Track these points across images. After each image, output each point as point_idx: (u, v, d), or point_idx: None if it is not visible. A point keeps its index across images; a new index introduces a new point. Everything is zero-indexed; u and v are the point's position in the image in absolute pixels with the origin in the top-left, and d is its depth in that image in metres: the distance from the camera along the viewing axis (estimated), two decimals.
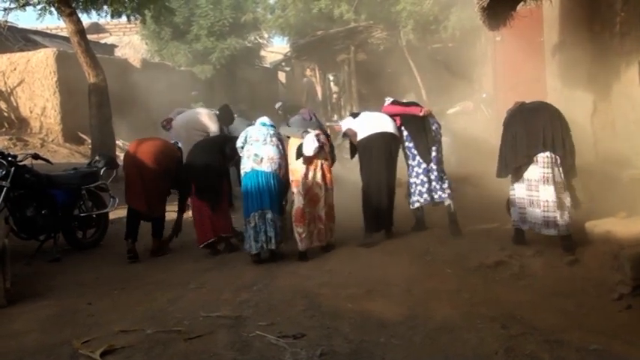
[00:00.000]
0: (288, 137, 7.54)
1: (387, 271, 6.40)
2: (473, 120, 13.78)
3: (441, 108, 13.43)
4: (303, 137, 7.20)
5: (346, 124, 8.19)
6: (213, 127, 10.51)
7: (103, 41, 24.87)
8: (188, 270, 7.00)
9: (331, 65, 22.78)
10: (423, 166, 7.87)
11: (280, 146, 7.44)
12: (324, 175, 7.33)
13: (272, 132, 7.52)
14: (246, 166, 7.33)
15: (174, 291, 6.10)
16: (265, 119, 7.82)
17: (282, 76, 31.05)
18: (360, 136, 7.86)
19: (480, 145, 10.64)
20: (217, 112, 11.04)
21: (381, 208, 7.78)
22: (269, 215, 7.17)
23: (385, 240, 7.80)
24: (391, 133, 7.84)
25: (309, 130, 7.30)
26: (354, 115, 8.33)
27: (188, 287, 6.24)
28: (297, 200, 7.20)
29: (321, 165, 7.32)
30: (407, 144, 7.98)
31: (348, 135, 8.06)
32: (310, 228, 7.25)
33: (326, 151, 7.41)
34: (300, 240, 7.17)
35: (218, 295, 5.87)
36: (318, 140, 7.18)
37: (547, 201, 6.48)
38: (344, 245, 7.61)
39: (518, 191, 6.77)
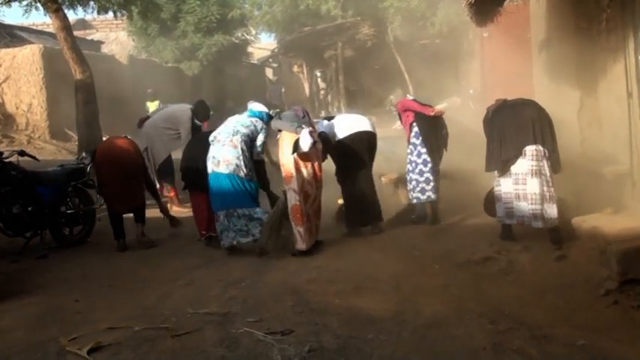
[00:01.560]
0: (279, 130, 7.47)
1: (375, 267, 6.40)
2: (460, 115, 13.80)
3: (428, 103, 13.44)
4: (297, 132, 7.13)
5: (322, 127, 8.11)
6: (184, 124, 10.19)
7: (89, 37, 24.79)
8: (176, 267, 6.97)
9: (319, 61, 22.81)
10: (430, 165, 8.05)
11: (241, 145, 7.32)
12: (315, 174, 7.30)
13: (238, 128, 7.44)
14: (209, 167, 7.38)
15: (162, 288, 6.06)
16: (254, 106, 7.79)
17: (269, 73, 31.03)
18: (340, 136, 7.92)
19: (467, 140, 10.65)
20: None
21: (367, 203, 7.86)
22: (240, 211, 7.22)
23: (373, 235, 7.84)
24: (370, 132, 8.01)
25: (303, 125, 7.23)
26: (329, 119, 8.37)
27: (176, 284, 6.20)
28: (293, 197, 7.12)
29: (313, 164, 7.27)
30: (414, 140, 8.14)
31: (322, 137, 7.84)
32: (308, 225, 7.20)
33: (318, 150, 7.38)
34: (301, 239, 7.10)
35: (206, 291, 5.85)
36: (312, 137, 7.16)
37: (534, 193, 6.53)
38: (332, 242, 7.59)
39: (505, 186, 6.80)
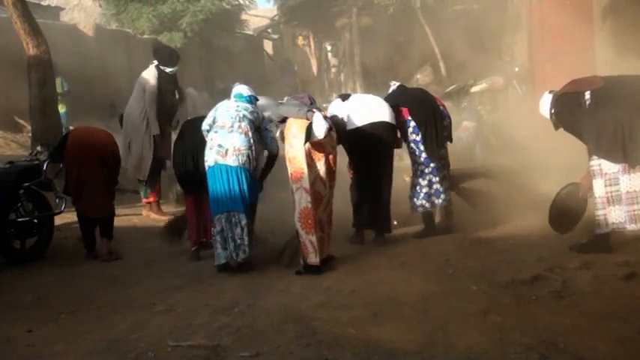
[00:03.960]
0: (281, 121, 7.47)
1: (397, 289, 6.38)
2: (503, 100, 13.78)
3: (463, 85, 13.43)
4: (309, 117, 7.11)
5: (333, 109, 8.17)
6: (147, 82, 10.50)
7: (45, 3, 24.80)
8: (153, 288, 6.98)
9: (329, 32, 22.82)
10: (432, 165, 8.17)
11: (250, 133, 7.39)
12: (329, 170, 7.30)
13: (244, 113, 7.49)
14: (209, 158, 7.37)
15: (136, 315, 6.06)
16: (242, 89, 7.83)
17: (268, 46, 31.02)
18: (350, 126, 7.97)
19: (512, 132, 10.63)
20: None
21: (373, 207, 8.08)
22: (241, 219, 7.26)
23: (379, 247, 7.96)
24: (387, 123, 8.04)
25: (313, 110, 7.24)
26: (344, 98, 8.36)
27: (153, 310, 6.21)
28: (303, 199, 7.13)
29: (327, 156, 7.27)
30: (414, 137, 8.22)
31: (333, 123, 7.93)
32: (321, 234, 7.23)
33: (333, 138, 7.37)
34: (313, 250, 7.11)
35: (191, 319, 5.85)
36: (327, 122, 7.17)
37: (636, 191, 6.66)
38: (344, 257, 7.59)
39: (598, 190, 6.88)
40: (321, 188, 7.23)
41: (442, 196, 8.26)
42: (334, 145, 7.42)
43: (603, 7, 8.94)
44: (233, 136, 7.31)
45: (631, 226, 6.80)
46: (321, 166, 7.20)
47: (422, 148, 8.17)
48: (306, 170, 7.08)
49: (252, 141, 7.36)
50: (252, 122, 7.46)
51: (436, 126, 8.22)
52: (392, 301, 6.04)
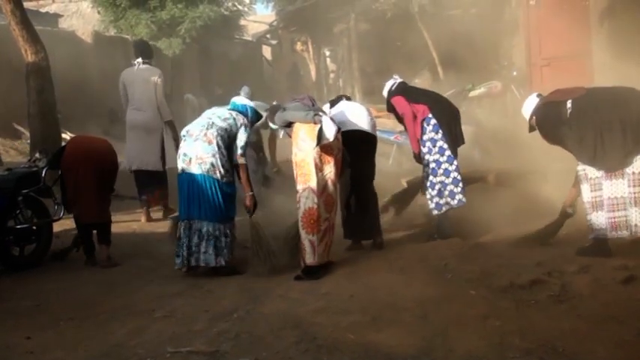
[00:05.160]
0: (287, 126, 7.55)
1: (396, 293, 6.37)
2: (501, 104, 13.79)
3: (461, 89, 13.44)
4: (316, 121, 7.13)
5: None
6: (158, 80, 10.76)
7: (44, 10, 24.82)
8: (152, 294, 6.98)
9: (327, 37, 22.84)
10: (455, 162, 8.17)
11: (217, 140, 7.44)
12: (337, 172, 7.32)
13: (214, 120, 7.59)
14: (178, 167, 7.58)
15: (135, 321, 6.06)
16: (238, 99, 8.01)
17: (267, 51, 31.05)
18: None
19: (511, 136, 10.64)
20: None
21: (359, 218, 8.12)
22: (203, 227, 7.39)
23: (377, 250, 8.01)
24: (361, 131, 8.05)
25: (319, 113, 7.28)
26: (333, 103, 8.42)
27: (153, 316, 6.20)
28: (309, 199, 7.15)
29: (335, 158, 7.29)
30: (431, 135, 8.21)
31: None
32: (325, 237, 7.25)
33: (339, 140, 7.37)
34: (312, 251, 7.14)
35: (190, 325, 5.85)
36: (335, 124, 7.20)
37: (617, 197, 6.73)
38: (343, 262, 7.60)
39: (585, 194, 6.97)
40: (332, 191, 7.28)
41: (457, 197, 8.20)
42: (340, 147, 7.43)
43: (600, 11, 8.96)
44: (197, 144, 7.44)
45: (612, 234, 6.84)
46: (330, 169, 7.22)
47: (442, 146, 8.15)
48: (314, 172, 7.11)
49: (217, 149, 7.41)
50: (223, 129, 7.52)
51: (457, 124, 8.29)
52: (391, 305, 6.04)
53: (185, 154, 7.48)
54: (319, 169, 7.15)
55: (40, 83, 12.05)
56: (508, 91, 13.97)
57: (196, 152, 7.41)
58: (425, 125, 8.24)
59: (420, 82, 16.64)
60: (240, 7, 25.12)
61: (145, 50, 11.19)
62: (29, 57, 11.97)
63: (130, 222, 8.63)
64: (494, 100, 14.14)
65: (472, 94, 14.11)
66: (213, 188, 7.39)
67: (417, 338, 5.24)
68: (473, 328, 5.42)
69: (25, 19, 12.04)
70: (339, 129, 7.19)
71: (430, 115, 8.21)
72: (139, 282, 7.52)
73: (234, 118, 7.64)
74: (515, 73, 13.96)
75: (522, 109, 7.52)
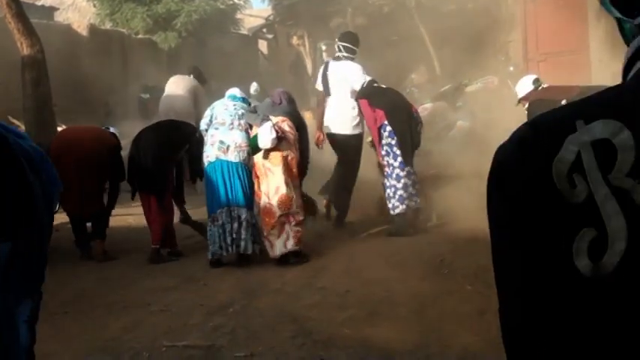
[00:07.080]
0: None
1: (392, 289, 6.40)
2: (497, 99, 13.78)
3: (458, 84, 13.44)
4: (260, 126, 7.37)
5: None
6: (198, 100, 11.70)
7: (39, 3, 24.74)
8: (147, 288, 6.98)
9: (323, 32, 22.75)
10: (407, 169, 8.45)
11: (248, 130, 7.65)
12: (289, 171, 7.51)
13: (242, 111, 7.76)
14: (210, 154, 7.60)
15: (130, 315, 6.07)
16: (235, 91, 8.11)
17: (263, 46, 30.97)
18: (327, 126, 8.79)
19: (507, 132, 10.64)
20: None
21: (332, 180, 8.96)
22: (242, 214, 7.49)
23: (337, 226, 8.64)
24: (341, 135, 8.88)
25: (270, 117, 7.47)
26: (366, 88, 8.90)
27: (148, 310, 6.21)
28: (262, 199, 7.44)
29: (285, 159, 7.47)
30: (389, 141, 8.51)
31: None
32: (282, 231, 7.44)
33: (290, 143, 7.56)
34: (270, 246, 7.44)
35: (185, 319, 5.86)
36: (276, 130, 7.31)
37: None
38: (339, 257, 7.60)
39: None
40: (287, 191, 7.45)
41: (415, 199, 8.53)
42: (292, 148, 7.61)
43: (598, 7, 8.93)
44: (234, 132, 7.58)
45: None
46: (281, 170, 7.41)
47: (396, 152, 8.42)
48: (264, 174, 7.43)
49: (248, 137, 7.55)
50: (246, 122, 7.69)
51: (411, 132, 8.48)
52: (387, 301, 6.06)
53: (222, 142, 7.55)
54: (270, 170, 7.39)
55: (35, 76, 12.02)
56: (505, 87, 13.95)
57: (235, 140, 7.55)
58: (382, 131, 8.54)
59: (417, 77, 16.66)
60: (236, 1, 25.01)
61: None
62: (25, 50, 11.94)
63: (125, 215, 8.59)
64: (491, 96, 14.13)
65: (469, 89, 14.07)
66: (247, 175, 7.56)
67: (413, 333, 5.25)
68: (469, 323, 5.43)
69: (20, 11, 12.00)
70: (279, 136, 7.33)
71: (386, 122, 8.48)
72: (135, 276, 7.52)
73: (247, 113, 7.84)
74: (512, 69, 13.95)
75: (516, 86, 7.64)
